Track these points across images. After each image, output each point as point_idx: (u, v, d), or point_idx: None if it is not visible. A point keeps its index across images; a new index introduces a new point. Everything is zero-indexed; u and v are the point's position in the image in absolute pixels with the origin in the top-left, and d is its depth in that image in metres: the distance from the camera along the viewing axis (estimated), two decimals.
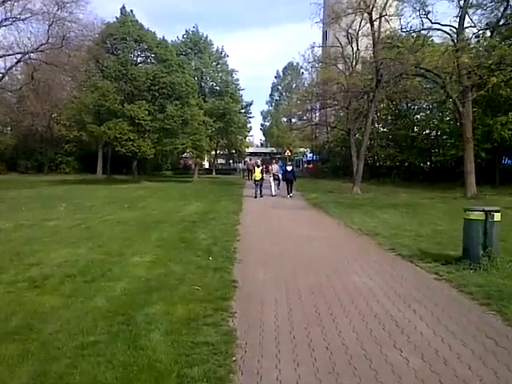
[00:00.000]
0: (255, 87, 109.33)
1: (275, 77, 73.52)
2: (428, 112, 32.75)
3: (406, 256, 8.04)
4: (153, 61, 31.95)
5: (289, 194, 22.27)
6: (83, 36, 28.42)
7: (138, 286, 6.19)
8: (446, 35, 20.02)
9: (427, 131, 33.89)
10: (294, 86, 69.02)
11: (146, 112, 28.61)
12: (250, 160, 43.09)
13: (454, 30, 18.49)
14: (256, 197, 21.58)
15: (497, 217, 6.87)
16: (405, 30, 19.02)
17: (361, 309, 5.28)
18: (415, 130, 35.27)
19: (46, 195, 22.00)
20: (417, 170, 33.07)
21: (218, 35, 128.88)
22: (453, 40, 18.07)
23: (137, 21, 31.15)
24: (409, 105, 35.04)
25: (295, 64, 67.19)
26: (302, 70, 63.63)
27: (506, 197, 19.14)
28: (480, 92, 18.23)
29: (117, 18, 31.00)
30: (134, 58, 31.63)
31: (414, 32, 18.97)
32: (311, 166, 53.04)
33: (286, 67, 71.84)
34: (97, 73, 30.38)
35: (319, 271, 7.06)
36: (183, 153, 43.01)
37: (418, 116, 34.64)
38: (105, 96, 27.75)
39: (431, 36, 20.25)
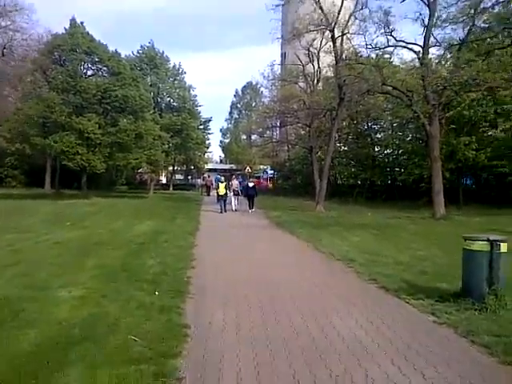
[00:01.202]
0: (215, 106, 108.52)
1: (234, 95, 73.18)
2: (390, 131, 32.44)
3: (391, 290, 6.79)
4: (104, 74, 30.06)
5: (250, 209, 23.01)
6: (28, 46, 26.41)
7: (55, 336, 4.62)
8: (412, 54, 19.56)
9: (388, 150, 33.62)
10: (253, 104, 68.54)
11: (97, 125, 26.64)
12: (209, 177, 41.95)
13: (420, 49, 17.97)
14: (221, 212, 22.17)
15: (503, 247, 5.74)
16: (370, 46, 18.38)
17: (353, 373, 3.93)
18: (376, 149, 35.02)
19: None
20: (380, 189, 32.59)
21: (176, 55, 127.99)
22: (419, 58, 17.48)
23: (87, 33, 29.30)
24: (369, 124, 34.74)
25: (254, 83, 66.86)
26: (261, 89, 63.26)
27: (475, 217, 18.55)
28: (449, 113, 17.69)
29: (66, 29, 29.06)
30: (84, 71, 29.63)
31: (380, 49, 18.35)
32: (268, 183, 51.97)
33: (245, 86, 71.56)
34: (43, 84, 28.22)
35: (292, 311, 5.68)
36: (139, 168, 40.96)
37: (379, 135, 34.34)
38: (50, 108, 25.63)
39: (397, 54, 19.69)
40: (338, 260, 9.21)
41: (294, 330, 5.01)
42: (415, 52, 18.00)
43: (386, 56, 18.79)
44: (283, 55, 44.57)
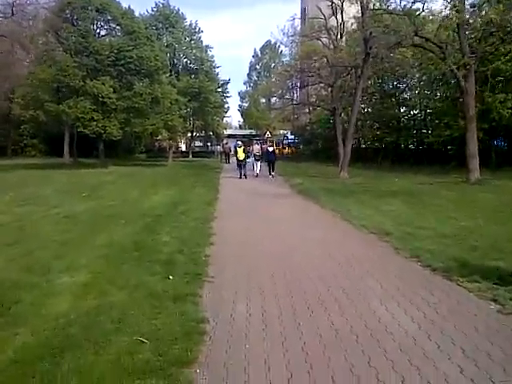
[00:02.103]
0: (232, 68, 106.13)
1: (253, 56, 70.98)
2: (417, 90, 30.62)
3: (438, 269, 5.86)
4: (118, 33, 28.86)
5: (270, 173, 23.44)
6: (37, 4, 25.26)
7: (48, 338, 3.89)
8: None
9: (415, 111, 31.92)
10: (272, 65, 66.51)
11: (111, 89, 25.68)
12: (227, 143, 41.12)
13: None
14: (241, 177, 22.31)
15: None
16: None
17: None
18: (402, 109, 33.34)
19: None
20: (406, 153, 31.12)
21: (190, 16, 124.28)
22: (454, 5, 15.80)
23: None
24: (395, 83, 32.93)
25: (273, 43, 64.64)
26: (281, 49, 61.25)
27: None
28: (491, 65, 15.96)
29: None
30: (97, 30, 28.47)
31: None
32: (288, 149, 50.40)
33: (263, 46, 69.26)
34: (56, 46, 27.25)
35: (326, 299, 4.85)
36: (157, 135, 40.13)
37: (405, 95, 32.53)
38: (64, 71, 24.69)
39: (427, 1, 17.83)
40: (371, 233, 8.28)
41: (332, 324, 4.19)
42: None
43: (417, 5, 17.13)
44: (303, 10, 42.39)
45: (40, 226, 9.08)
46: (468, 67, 16.10)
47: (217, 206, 12.35)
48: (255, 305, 4.76)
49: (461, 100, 23.18)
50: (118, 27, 28.77)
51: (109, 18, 28.02)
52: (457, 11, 15.51)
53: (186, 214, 10.51)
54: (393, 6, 19.89)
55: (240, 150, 23.24)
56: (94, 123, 25.36)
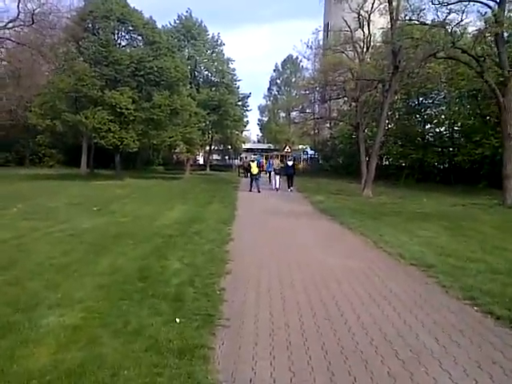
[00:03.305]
0: (253, 83, 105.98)
1: (274, 70, 70.38)
2: (444, 107, 29.42)
3: (503, 318, 4.80)
4: (139, 43, 28.43)
5: (289, 187, 23.97)
6: (59, 12, 24.97)
7: None
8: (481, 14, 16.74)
9: (442, 128, 30.71)
10: (293, 80, 65.79)
11: (130, 100, 25.12)
12: (246, 158, 40.64)
13: (494, 5, 15.23)
14: (251, 190, 22.75)
15: None
16: (436, 1, 15.68)
17: None
18: (427, 126, 32.16)
19: (6, 192, 18.62)
20: (432, 171, 29.84)
21: (212, 30, 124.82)
22: (494, 15, 14.75)
23: None
24: (420, 99, 31.81)
25: (295, 57, 64.15)
26: (302, 64, 60.74)
27: None
28: None
29: None
30: (118, 40, 28.05)
31: (449, 4, 15.68)
32: (302, 164, 49.23)
33: (285, 60, 68.72)
34: (76, 56, 26.89)
35: (369, 358, 3.84)
36: (175, 147, 39.63)
37: (432, 111, 31.35)
38: (82, 81, 24.25)
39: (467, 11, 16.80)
40: (411, 265, 7.22)
41: None
42: (491, 8, 15.24)
43: (453, 15, 16.14)
44: (326, 25, 41.65)
45: (40, 245, 8.24)
46: (507, 83, 14.98)
47: (234, 225, 11.40)
48: (280, 363, 3.77)
49: (496, 119, 22.14)
50: (139, 37, 28.43)
51: (130, 28, 27.66)
52: (496, 21, 14.46)
53: (201, 235, 9.58)
54: (427, 16, 18.89)
55: (254, 165, 23.87)
56: (111, 134, 24.78)
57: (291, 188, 23.90)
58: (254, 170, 23.59)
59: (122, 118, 25.33)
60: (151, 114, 25.80)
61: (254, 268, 6.99)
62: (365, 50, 25.95)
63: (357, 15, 24.63)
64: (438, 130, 31.48)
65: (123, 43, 28.80)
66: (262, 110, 71.83)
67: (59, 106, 24.64)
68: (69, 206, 14.65)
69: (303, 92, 35.28)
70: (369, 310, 5.11)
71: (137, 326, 4.46)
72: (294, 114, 46.02)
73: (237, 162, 52.07)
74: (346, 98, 30.40)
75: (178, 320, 4.63)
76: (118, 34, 27.89)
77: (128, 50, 27.64)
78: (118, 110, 24.77)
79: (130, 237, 9.13)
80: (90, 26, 27.16)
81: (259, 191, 22.54)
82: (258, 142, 79.81)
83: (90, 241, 8.72)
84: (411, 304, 5.33)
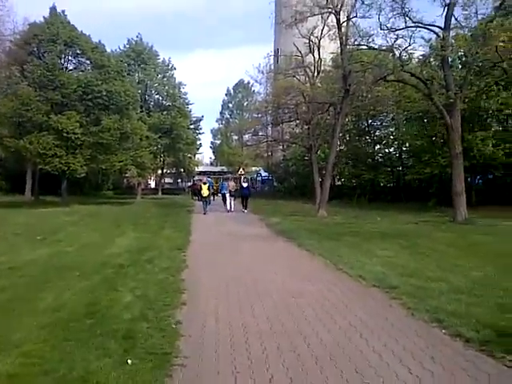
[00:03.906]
0: (205, 107, 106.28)
1: (226, 94, 70.81)
2: (393, 128, 30.34)
3: (473, 340, 4.66)
4: (87, 67, 27.68)
5: (244, 208, 24.42)
6: (1, 35, 23.95)
7: None
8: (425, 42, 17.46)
9: (391, 149, 31.62)
10: (245, 103, 66.36)
11: (78, 124, 24.24)
12: (195, 181, 40.54)
13: (440, 31, 15.85)
14: (205, 213, 22.82)
15: None
16: (385, 28, 16.18)
17: None
18: (377, 147, 33.01)
19: None
20: (383, 190, 30.53)
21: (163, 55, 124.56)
22: (442, 39, 15.32)
23: (69, 22, 26.87)
24: (369, 121, 32.66)
25: (246, 82, 64.96)
26: (254, 88, 61.29)
27: (499, 221, 16.55)
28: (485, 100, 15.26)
29: (45, 17, 26.59)
30: (65, 64, 27.16)
31: (396, 30, 16.22)
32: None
33: (236, 84, 69.38)
34: (20, 80, 25.78)
35: None
36: (126, 171, 38.60)
37: (381, 132, 32.26)
38: (26, 105, 23.19)
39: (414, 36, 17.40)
40: (373, 286, 7.05)
41: None
42: (436, 34, 15.85)
43: (400, 40, 16.71)
44: (276, 51, 42.36)
45: None
46: (454, 104, 15.51)
47: (189, 251, 10.93)
48: None
49: (442, 139, 22.98)
50: (87, 61, 27.69)
51: (78, 51, 26.93)
52: (441, 48, 15.02)
53: (154, 263, 9.07)
54: (376, 41, 19.45)
55: (205, 187, 24.18)
56: (57, 159, 23.75)
57: (245, 210, 24.25)
58: (205, 192, 23.97)
59: (69, 142, 24.39)
60: (100, 138, 25.01)
61: (211, 297, 6.59)
62: (316, 74, 26.44)
63: (307, 40, 25.11)
64: (387, 150, 32.38)
65: (70, 67, 27.96)
66: (214, 133, 71.94)
67: (1, 131, 23.39)
68: (10, 235, 13.69)
69: (256, 115, 35.55)
70: (336, 339, 4.83)
71: (83, 371, 3.96)
72: (246, 136, 46.12)
73: (189, 184, 51.61)
74: (298, 121, 30.77)
75: (129, 361, 4.17)
76: (64, 57, 27.04)
77: (75, 74, 26.83)
78: (65, 134, 23.85)
79: (77, 268, 8.49)
80: (34, 49, 26.21)
81: (205, 213, 22.85)
82: (211, 164, 79.57)
83: (32, 274, 8.04)
84: (378, 329, 5.10)
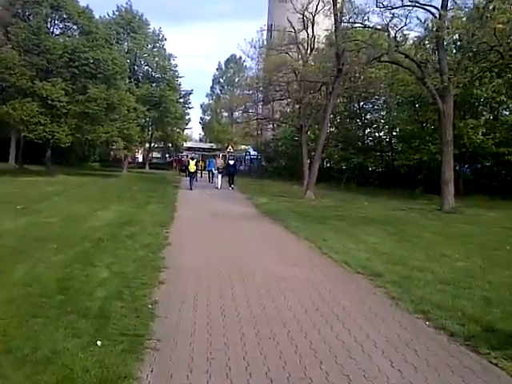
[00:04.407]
0: (196, 81, 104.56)
1: (217, 69, 69.65)
2: (384, 112, 30.07)
3: (457, 335, 4.52)
4: (74, 33, 26.82)
5: (231, 185, 24.72)
6: None
7: None
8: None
9: (381, 133, 31.41)
10: (236, 79, 65.29)
11: (63, 92, 23.55)
12: (187, 156, 40.00)
13: (436, 12, 15.50)
14: (191, 189, 23.03)
15: None
16: (381, 5, 15.77)
17: None
18: (368, 131, 32.76)
19: None
20: (371, 175, 30.41)
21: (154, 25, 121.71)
22: (436, 21, 14.99)
23: None
24: (361, 104, 32.31)
25: (238, 57, 63.88)
26: (246, 63, 60.25)
27: (486, 211, 16.55)
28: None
29: None
30: (51, 28, 26.25)
31: (393, 8, 15.83)
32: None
33: (228, 59, 68.21)
34: (4, 42, 24.87)
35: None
36: (112, 143, 37.88)
37: (372, 116, 31.96)
38: (10, 69, 22.40)
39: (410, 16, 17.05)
40: (358, 273, 6.90)
41: None
42: (433, 14, 15.49)
43: (396, 20, 16.32)
44: (270, 27, 41.51)
45: None
46: (446, 88, 15.27)
47: (172, 228, 10.69)
48: None
49: (433, 125, 22.81)
50: (74, 26, 26.84)
51: (64, 15, 25.99)
52: (437, 30, 14.70)
53: (135, 239, 8.82)
54: (371, 19, 19.02)
55: (192, 163, 24.57)
56: (41, 127, 23.12)
57: (232, 186, 24.71)
58: (192, 168, 24.26)
59: (54, 110, 23.72)
60: (86, 107, 24.35)
61: (191, 277, 6.38)
62: (309, 51, 25.94)
63: (301, 16, 24.56)
64: (377, 134, 32.16)
65: (57, 32, 27.12)
66: (204, 108, 70.81)
67: None
68: None
69: (246, 92, 34.94)
70: (317, 327, 4.66)
71: (48, 351, 3.72)
72: (236, 113, 45.50)
73: (184, 160, 51.20)
74: (289, 100, 30.31)
75: (99, 343, 3.94)
76: (51, 21, 26.19)
77: (61, 40, 25.99)
78: (50, 102, 23.17)
79: (55, 240, 8.21)
80: (19, 11, 25.26)
81: (191, 189, 23.16)
82: (201, 141, 78.73)
83: (8, 245, 7.75)
84: (361, 319, 4.94)
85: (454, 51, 20.50)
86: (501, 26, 12.68)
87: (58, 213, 11.98)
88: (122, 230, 9.69)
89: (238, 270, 6.91)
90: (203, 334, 4.36)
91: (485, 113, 24.23)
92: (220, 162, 27.22)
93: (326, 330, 4.59)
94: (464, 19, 14.98)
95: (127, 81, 33.93)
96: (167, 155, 60.87)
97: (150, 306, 5.04)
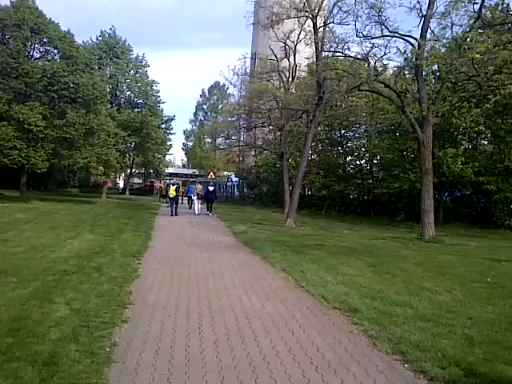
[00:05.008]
0: (179, 107, 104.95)
1: (200, 95, 70.11)
2: (365, 140, 30.23)
3: (438, 379, 4.20)
4: (54, 57, 26.55)
5: (209, 211, 24.90)
6: None
7: None
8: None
9: (362, 161, 31.52)
10: (220, 106, 65.69)
11: (40, 116, 23.11)
12: (159, 182, 40.45)
13: (415, 42, 15.69)
14: (172, 215, 23.04)
15: None
16: (361, 35, 15.90)
17: None
18: (349, 158, 32.87)
19: None
20: (352, 202, 30.32)
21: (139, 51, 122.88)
22: (415, 50, 15.15)
23: (37, 8, 25.69)
24: (342, 132, 32.49)
25: (222, 84, 64.55)
26: (229, 90, 60.61)
27: (466, 240, 16.47)
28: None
29: (11, 1, 25.33)
30: (30, 52, 25.91)
31: (372, 38, 15.98)
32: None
33: (212, 86, 68.77)
34: None
35: None
36: (90, 169, 37.23)
37: (354, 143, 32.11)
38: None
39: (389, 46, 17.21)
40: (334, 308, 6.55)
41: None
42: (412, 45, 15.68)
43: (376, 49, 16.47)
44: (254, 55, 41.93)
45: None
46: (426, 117, 15.32)
47: (145, 258, 10.24)
48: None
49: (413, 154, 22.94)
50: (54, 50, 26.54)
51: (45, 39, 25.74)
52: (416, 59, 14.83)
53: (102, 271, 8.36)
54: (352, 48, 19.19)
55: (172, 188, 24.38)
56: (16, 152, 22.55)
57: (209, 213, 24.76)
58: (172, 193, 24.13)
59: (30, 135, 23.24)
60: (64, 132, 23.92)
61: (157, 315, 5.96)
62: (290, 79, 26.12)
63: (283, 45, 24.78)
64: (358, 162, 32.24)
65: (36, 55, 26.81)
66: (187, 134, 70.89)
67: None
68: None
69: (229, 118, 34.97)
70: (288, 372, 4.29)
71: None
72: (219, 140, 45.44)
73: (155, 185, 51.02)
74: (271, 127, 30.34)
75: None
76: (31, 45, 25.84)
77: (41, 63, 25.67)
78: (26, 126, 22.70)
79: (16, 273, 7.72)
80: None
81: (176, 214, 23.25)
82: (183, 166, 78.50)
83: None
84: (336, 362, 4.59)
85: (433, 81, 20.74)
86: (478, 56, 12.79)
87: (24, 242, 11.42)
88: (90, 261, 9.21)
89: (209, 306, 6.51)
90: (162, 383, 3.95)
91: (464, 142, 24.51)
92: (199, 187, 27.43)
93: (298, 375, 4.23)
94: (442, 50, 15.18)
95: (108, 106, 33.66)
96: (149, 181, 60.30)
97: (107, 349, 4.62)
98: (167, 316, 5.92)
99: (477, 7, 14.86)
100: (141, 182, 62.54)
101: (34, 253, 10.00)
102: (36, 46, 26.25)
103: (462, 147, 22.64)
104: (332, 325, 5.85)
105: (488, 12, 16.13)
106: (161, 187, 25.64)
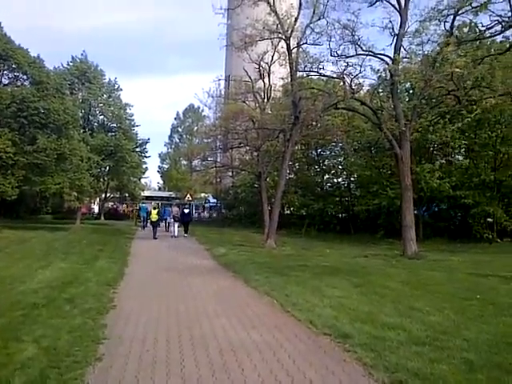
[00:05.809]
0: (153, 131, 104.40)
1: (175, 118, 69.70)
2: (342, 158, 30.33)
3: None
4: (24, 82, 25.96)
5: (185, 233, 25.50)
6: None
7: None
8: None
9: (340, 179, 31.60)
10: (195, 128, 65.40)
11: (10, 143, 22.39)
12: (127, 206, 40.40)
13: (388, 60, 15.80)
14: (156, 238, 23.29)
15: None
16: (335, 54, 15.95)
17: None
18: (326, 176, 32.93)
19: None
20: (332, 220, 30.21)
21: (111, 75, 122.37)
22: (389, 67, 15.24)
23: (5, 34, 25.14)
24: (319, 150, 32.56)
25: (196, 106, 64.49)
26: (204, 113, 60.53)
27: (449, 255, 16.38)
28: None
29: None
30: None
31: (347, 57, 16.04)
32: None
33: (186, 109, 68.54)
34: None
35: None
36: (63, 195, 36.24)
37: (331, 161, 32.18)
38: None
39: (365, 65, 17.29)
40: (324, 335, 6.19)
41: None
42: (386, 63, 15.79)
43: (351, 68, 16.53)
44: (227, 78, 42.04)
45: None
46: (403, 134, 15.34)
47: (120, 287, 9.73)
48: None
49: (390, 170, 23.05)
50: (23, 76, 25.92)
51: (13, 65, 25.13)
52: (391, 75, 14.91)
53: (75, 302, 7.84)
54: (326, 67, 19.22)
55: (154, 212, 24.69)
56: None
57: (186, 235, 25.35)
58: (154, 217, 24.36)
59: (0, 162, 22.41)
60: (35, 158, 23.18)
61: (134, 350, 5.49)
62: (266, 100, 26.11)
63: (257, 66, 24.80)
64: (336, 180, 32.33)
65: (5, 81, 26.13)
66: (163, 157, 70.19)
67: None
68: None
69: (205, 140, 34.72)
70: None
71: None
72: (195, 162, 44.95)
73: (119, 209, 50.79)
74: (247, 147, 30.20)
75: None
76: None
77: (9, 89, 25.01)
78: None
79: None
80: None
81: (156, 238, 23.39)
82: (160, 189, 77.53)
83: None
84: None
85: (407, 99, 20.99)
86: (458, 70, 12.89)
87: None
88: (62, 292, 8.66)
89: (191, 337, 6.07)
90: None
91: (439, 157, 24.77)
92: (175, 210, 27.71)
93: None
94: (416, 66, 15.31)
95: (81, 130, 33.02)
96: (124, 205, 59.18)
97: None
98: (145, 351, 5.47)
99: (448, 25, 15.08)
100: (116, 206, 61.33)
101: (2, 285, 9.39)
102: (4, 72, 25.62)
103: (438, 162, 22.84)
104: (323, 353, 5.48)
105: (456, 31, 16.42)
106: (133, 210, 25.89)
